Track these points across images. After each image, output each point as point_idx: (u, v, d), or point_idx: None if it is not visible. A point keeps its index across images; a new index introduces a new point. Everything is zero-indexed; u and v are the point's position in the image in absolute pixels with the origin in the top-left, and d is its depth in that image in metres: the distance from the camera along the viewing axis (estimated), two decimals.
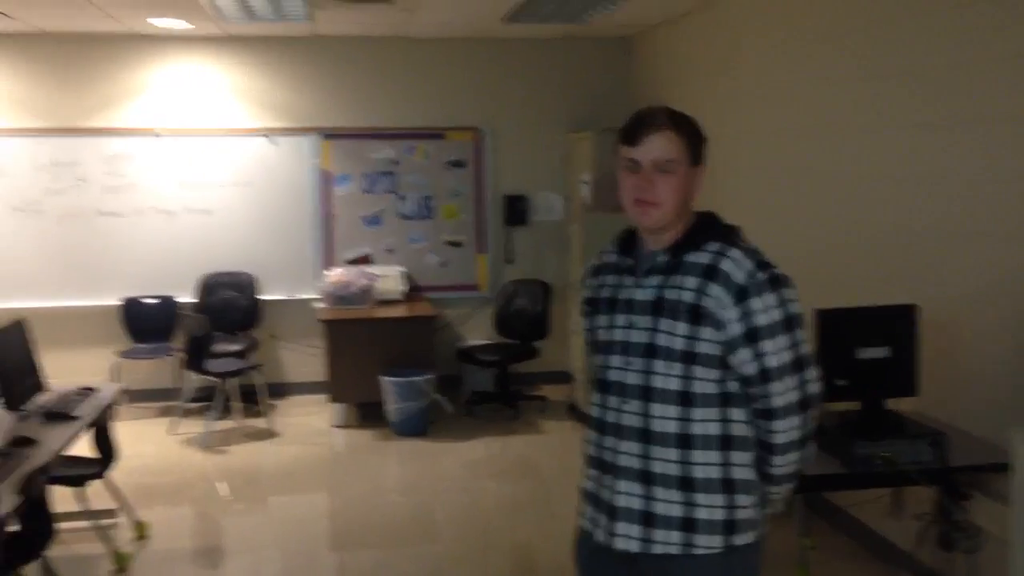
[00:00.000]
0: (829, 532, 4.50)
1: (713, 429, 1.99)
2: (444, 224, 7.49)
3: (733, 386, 1.99)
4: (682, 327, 1.97)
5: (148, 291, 7.07)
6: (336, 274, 6.95)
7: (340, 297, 6.77)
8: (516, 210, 7.50)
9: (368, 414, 6.66)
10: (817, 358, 3.26)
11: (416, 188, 7.41)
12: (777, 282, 1.96)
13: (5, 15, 6.00)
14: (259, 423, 6.63)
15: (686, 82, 6.44)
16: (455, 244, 7.53)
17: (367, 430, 6.46)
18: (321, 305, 6.84)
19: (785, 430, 1.98)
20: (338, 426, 6.59)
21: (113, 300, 7.02)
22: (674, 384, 1.98)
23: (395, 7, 5.94)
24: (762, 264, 1.98)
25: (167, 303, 7.07)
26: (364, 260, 7.37)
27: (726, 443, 2.00)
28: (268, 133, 7.18)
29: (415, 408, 6.27)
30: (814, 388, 2.00)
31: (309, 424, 6.66)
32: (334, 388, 6.53)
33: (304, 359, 7.35)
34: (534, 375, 7.39)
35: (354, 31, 6.98)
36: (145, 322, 7.02)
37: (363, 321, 6.56)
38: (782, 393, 1.96)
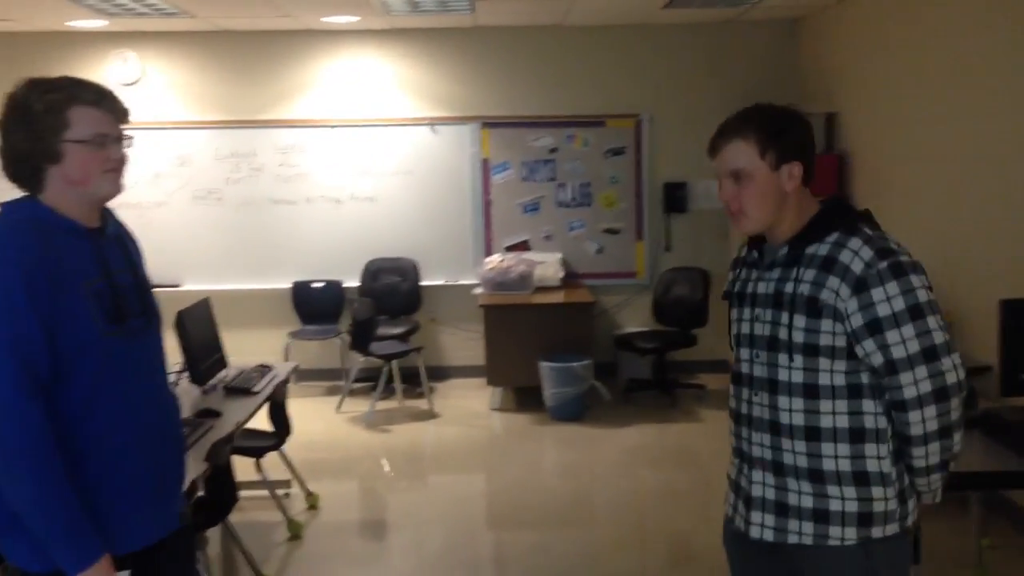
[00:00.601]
0: (1012, 533, 4.26)
1: (842, 422, 1.96)
2: (602, 212, 7.50)
3: (865, 377, 1.95)
4: (801, 320, 1.95)
5: (316, 275, 7.41)
6: (495, 260, 7.08)
7: (499, 283, 6.89)
8: (675, 197, 7.42)
9: (525, 398, 6.76)
10: (1001, 351, 3.11)
11: (575, 176, 7.46)
12: (900, 269, 1.89)
13: (190, 15, 6.41)
14: (420, 404, 6.85)
15: (857, 64, 6.19)
16: (613, 231, 7.53)
17: (524, 414, 6.56)
18: (480, 291, 6.99)
19: (919, 421, 1.90)
20: (496, 409, 6.73)
21: (285, 284, 7.41)
22: (798, 377, 1.98)
23: None
24: (883, 252, 1.90)
25: (334, 287, 7.39)
26: (522, 247, 7.48)
27: (858, 436, 1.96)
28: (431, 122, 7.39)
29: (572, 393, 6.33)
30: (952, 377, 1.90)
31: (468, 407, 6.83)
32: (492, 372, 6.67)
33: (463, 343, 7.54)
34: (692, 363, 7.31)
35: (513, 21, 7.08)
36: (314, 305, 7.37)
37: (521, 307, 6.66)
38: (912, 383, 1.88)
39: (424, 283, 7.44)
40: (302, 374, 7.31)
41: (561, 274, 7.14)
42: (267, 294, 7.42)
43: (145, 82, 7.28)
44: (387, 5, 6.24)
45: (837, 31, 6.54)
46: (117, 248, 2.15)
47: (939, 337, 1.89)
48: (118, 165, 2.07)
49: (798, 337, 1.96)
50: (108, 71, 7.20)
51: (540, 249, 7.46)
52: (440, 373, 7.53)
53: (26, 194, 2.05)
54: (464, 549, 4.44)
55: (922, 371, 1.88)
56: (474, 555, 4.41)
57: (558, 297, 6.84)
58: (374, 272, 7.40)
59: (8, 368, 1.87)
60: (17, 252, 1.93)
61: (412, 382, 7.05)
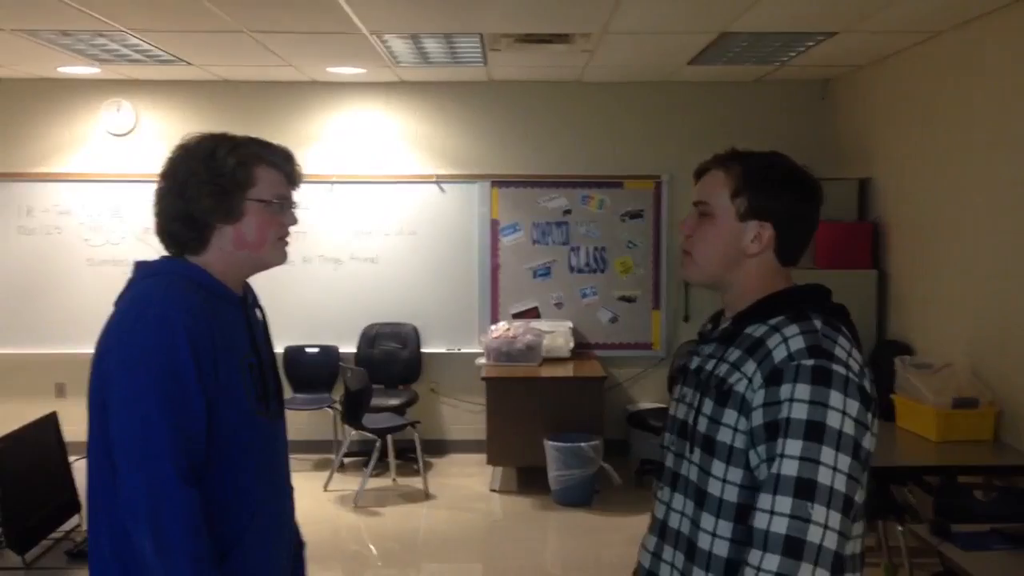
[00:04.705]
0: None
1: (720, 548, 1.67)
2: (618, 278, 7.47)
3: None
4: (708, 405, 1.74)
5: (311, 340, 7.39)
6: (501, 328, 7.05)
7: (504, 353, 6.85)
8: None
9: (529, 479, 6.66)
10: None
11: (589, 239, 7.45)
12: (824, 377, 1.59)
13: (185, 62, 6.51)
14: (415, 483, 6.75)
15: (894, 127, 6.19)
16: (628, 299, 7.49)
17: (526, 497, 6.46)
18: (484, 360, 6.95)
19: (754, 568, 1.55)
20: (496, 491, 6.63)
21: (276, 348, 7.35)
22: (694, 474, 1.75)
23: (574, 47, 6.01)
24: (816, 350, 1.63)
25: (329, 353, 7.36)
26: (531, 314, 7.46)
27: (732, 573, 1.65)
28: (438, 180, 7.42)
29: (579, 476, 6.22)
30: (817, 536, 1.52)
31: (466, 486, 6.74)
32: (493, 450, 6.57)
33: (464, 416, 7.48)
34: None
35: (528, 75, 7.14)
36: (305, 371, 7.33)
37: (527, 380, 6.61)
38: (767, 512, 1.56)
39: (425, 350, 7.41)
40: (290, 446, 7.24)
41: (571, 345, 7.09)
42: None
43: (138, 132, 7.37)
44: (395, 56, 6.31)
45: (872, 92, 6.55)
46: (257, 320, 2.13)
47: (828, 479, 1.54)
48: (288, 233, 2.09)
49: (701, 425, 1.74)
50: (100, 120, 7.31)
51: (550, 316, 7.42)
52: (438, 447, 7.46)
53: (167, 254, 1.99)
54: None
55: (784, 503, 1.54)
56: None
57: (567, 370, 6.79)
58: (372, 338, 7.39)
59: (169, 449, 1.78)
60: (184, 315, 1.84)
61: (407, 456, 6.98)
